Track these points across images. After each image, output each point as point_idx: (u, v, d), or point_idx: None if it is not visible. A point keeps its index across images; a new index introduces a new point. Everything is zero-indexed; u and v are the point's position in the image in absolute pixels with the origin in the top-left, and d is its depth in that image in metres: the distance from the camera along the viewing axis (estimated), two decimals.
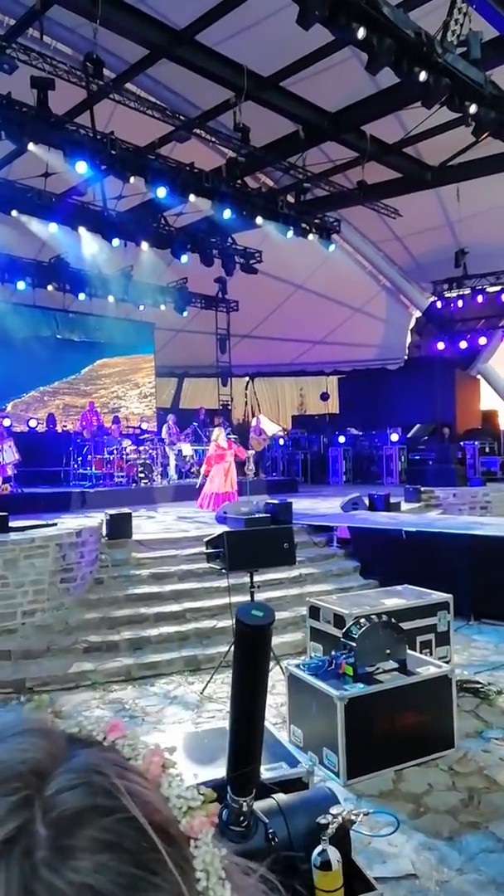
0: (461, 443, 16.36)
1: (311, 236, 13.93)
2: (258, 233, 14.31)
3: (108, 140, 10.61)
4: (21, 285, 15.35)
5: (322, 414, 21.29)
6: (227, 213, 12.42)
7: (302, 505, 10.80)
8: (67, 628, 6.29)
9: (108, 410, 17.98)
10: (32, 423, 16.31)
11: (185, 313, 18.61)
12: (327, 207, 14.63)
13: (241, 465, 12.24)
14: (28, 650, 5.89)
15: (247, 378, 22.88)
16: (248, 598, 5.60)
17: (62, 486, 13.09)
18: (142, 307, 17.89)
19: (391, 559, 8.08)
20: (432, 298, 18.52)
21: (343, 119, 11.85)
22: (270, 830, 2.16)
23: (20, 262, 15.38)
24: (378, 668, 4.24)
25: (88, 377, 18.70)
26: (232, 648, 5.37)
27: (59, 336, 17.60)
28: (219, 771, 2.32)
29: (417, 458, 16.33)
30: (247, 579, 5.61)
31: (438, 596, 5.61)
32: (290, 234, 13.47)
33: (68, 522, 7.44)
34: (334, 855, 2.48)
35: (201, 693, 5.41)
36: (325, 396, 21.60)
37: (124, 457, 13.50)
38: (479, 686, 5.32)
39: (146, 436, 15.31)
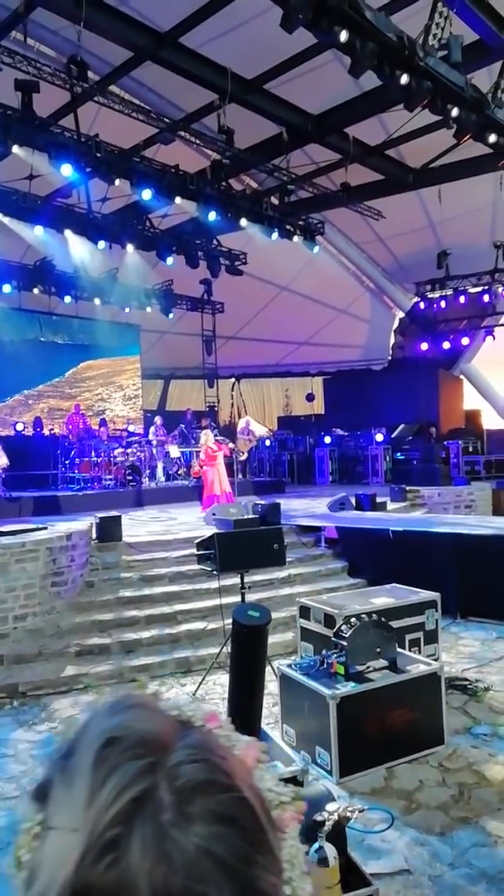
0: (445, 442, 16.52)
1: (295, 238, 14.00)
2: (243, 234, 14.35)
3: (92, 142, 10.59)
4: (7, 288, 15.28)
5: (308, 415, 21.38)
6: (212, 215, 12.45)
7: (289, 505, 10.86)
8: (59, 632, 6.29)
9: (93, 413, 17.93)
10: (19, 427, 16.23)
11: (171, 315, 18.61)
12: (311, 209, 14.71)
13: (230, 464, 12.25)
14: (20, 655, 5.90)
15: (233, 379, 22.92)
16: (238, 599, 5.64)
17: (50, 490, 13.05)
18: (127, 309, 17.87)
19: (378, 559, 8.16)
20: (415, 299, 18.68)
21: (326, 121, 11.93)
22: None
23: (5, 266, 15.30)
24: (369, 667, 4.31)
25: (73, 380, 18.63)
26: (224, 650, 5.42)
27: (42, 339, 17.53)
28: None
29: (402, 457, 16.47)
30: (236, 580, 5.66)
31: (426, 594, 5.69)
32: (275, 235, 13.53)
33: (58, 526, 7.44)
34: (331, 851, 2.54)
35: (193, 694, 5.44)
36: (310, 397, 21.69)
37: (112, 459, 13.48)
38: (467, 683, 5.41)
39: (133, 438, 15.29)
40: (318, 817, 2.60)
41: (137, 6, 9.76)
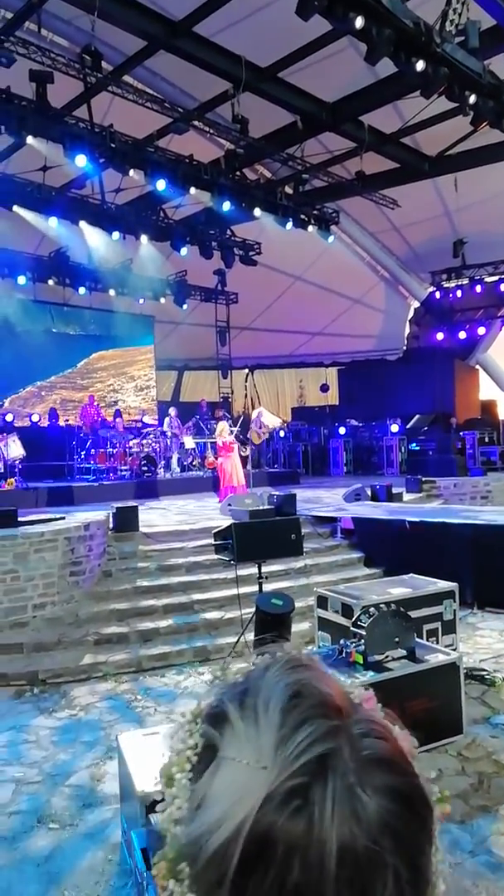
0: (461, 433, 16.43)
1: (309, 227, 13.92)
2: (257, 224, 14.30)
3: (106, 133, 10.59)
4: (22, 280, 15.34)
5: (322, 405, 21.32)
6: (226, 206, 12.41)
7: (304, 496, 10.86)
8: (78, 621, 6.35)
9: (105, 404, 17.99)
10: (35, 418, 16.33)
11: (185, 306, 18.60)
12: (326, 198, 14.62)
13: (243, 456, 12.27)
14: (40, 643, 5.96)
15: (246, 370, 22.87)
16: (254, 589, 5.66)
17: (66, 481, 13.14)
18: (141, 300, 17.87)
19: (395, 549, 8.15)
20: (431, 289, 18.55)
21: (341, 109, 11.82)
22: None
23: (20, 257, 15.35)
24: (387, 657, 4.31)
25: (85, 371, 18.66)
26: (241, 639, 5.45)
27: (54, 330, 17.58)
28: None
29: (417, 448, 16.41)
30: (252, 570, 5.68)
31: (444, 585, 5.67)
32: (289, 225, 13.47)
33: (76, 516, 7.50)
34: None
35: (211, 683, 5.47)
36: (324, 388, 21.62)
37: (127, 450, 13.54)
38: (486, 673, 5.40)
39: (148, 429, 15.34)
40: None
41: None
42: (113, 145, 10.63)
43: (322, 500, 11.01)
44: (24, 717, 4.99)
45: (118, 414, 16.03)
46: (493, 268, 16.88)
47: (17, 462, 11.58)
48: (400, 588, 5.58)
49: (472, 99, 9.42)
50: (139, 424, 16.13)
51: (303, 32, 9.68)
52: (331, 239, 14.69)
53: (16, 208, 12.79)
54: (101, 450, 13.50)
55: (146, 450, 13.85)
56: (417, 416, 17.73)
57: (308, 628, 6.26)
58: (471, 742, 4.32)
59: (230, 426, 11.89)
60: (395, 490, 10.81)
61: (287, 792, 0.43)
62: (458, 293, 17.53)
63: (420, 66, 8.32)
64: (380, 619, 4.27)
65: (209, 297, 19.44)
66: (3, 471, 11.41)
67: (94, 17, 9.05)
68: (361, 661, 4.19)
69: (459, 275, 17.27)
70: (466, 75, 8.98)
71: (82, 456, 13.77)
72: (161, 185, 11.58)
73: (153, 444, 14.25)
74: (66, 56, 10.40)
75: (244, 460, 11.89)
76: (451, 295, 17.70)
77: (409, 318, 20.23)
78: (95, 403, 16.60)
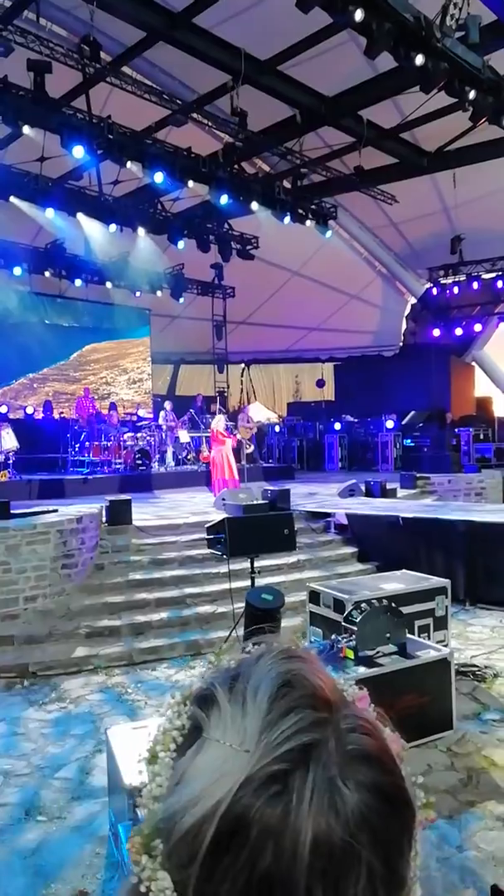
0: (456, 429, 16.43)
1: (307, 222, 13.88)
2: (255, 219, 14.24)
3: (104, 124, 10.51)
4: (17, 271, 15.25)
5: (318, 401, 21.30)
6: (223, 199, 12.35)
7: (299, 491, 10.86)
8: (69, 614, 6.34)
9: (97, 397, 17.92)
10: (29, 410, 16.28)
11: (182, 299, 18.54)
12: (324, 193, 14.57)
13: (236, 451, 12.26)
14: (31, 635, 5.95)
15: (242, 365, 22.86)
16: (247, 583, 5.66)
17: (60, 473, 13.10)
18: (138, 293, 17.80)
19: (388, 545, 8.16)
20: (428, 285, 18.53)
21: (340, 103, 11.76)
22: None
23: (16, 248, 15.27)
24: (378, 652, 4.31)
25: (77, 363, 18.57)
26: (233, 633, 5.45)
27: (47, 321, 17.50)
28: None
29: (412, 444, 16.41)
30: (245, 565, 5.68)
31: (436, 581, 5.69)
32: (287, 220, 13.41)
33: (68, 509, 7.48)
34: None
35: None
36: (320, 383, 21.59)
37: (122, 444, 13.51)
38: (476, 669, 5.42)
39: (143, 423, 15.31)
40: None
41: None
42: (111, 137, 10.56)
43: (316, 495, 11.01)
44: (14, 709, 4.99)
45: (113, 407, 15.99)
46: (491, 264, 16.85)
47: (11, 454, 11.54)
48: (392, 584, 5.59)
49: (472, 94, 9.39)
50: (134, 418, 16.09)
51: (303, 25, 9.62)
52: (328, 234, 14.65)
53: (12, 199, 12.71)
54: (96, 443, 13.46)
55: (141, 443, 13.82)
56: (413, 413, 17.73)
57: (300, 623, 6.26)
58: (460, 738, 4.33)
59: (226, 420, 11.88)
60: (389, 486, 10.82)
61: (267, 777, 0.43)
62: (456, 290, 17.50)
63: (420, 60, 8.28)
64: (371, 615, 4.27)
65: (206, 290, 19.38)
66: None
67: (94, 7, 8.96)
68: (352, 657, 4.19)
69: (457, 271, 17.24)
70: (466, 70, 8.94)
71: (76, 449, 13.73)
72: (159, 177, 11.51)
73: (148, 438, 14.22)
74: (64, 46, 10.34)
75: (237, 454, 11.89)
76: (448, 291, 17.67)
77: (406, 314, 20.22)
78: (91, 396, 16.56)
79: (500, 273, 16.69)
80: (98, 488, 11.27)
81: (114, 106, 11.40)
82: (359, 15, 7.38)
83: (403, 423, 17.26)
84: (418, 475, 12.57)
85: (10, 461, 11.57)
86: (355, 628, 4.20)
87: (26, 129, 9.86)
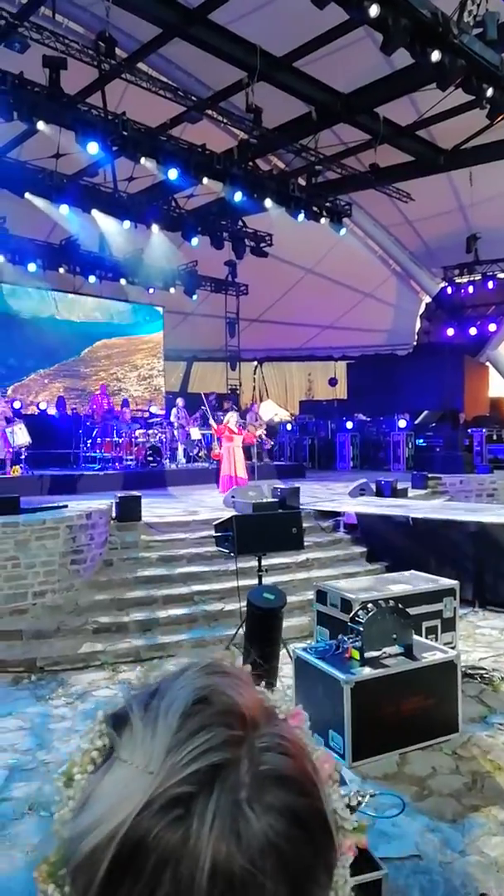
0: (469, 430, 16.33)
1: (322, 220, 13.83)
2: (268, 216, 14.22)
3: (119, 120, 10.53)
4: (32, 267, 15.32)
5: (330, 399, 21.26)
6: (238, 196, 12.33)
7: (309, 490, 10.83)
8: (77, 609, 6.36)
9: (109, 392, 17.94)
10: (42, 406, 16.36)
11: (195, 296, 18.55)
12: (339, 191, 14.51)
13: (247, 448, 12.25)
14: (39, 630, 5.97)
15: (255, 362, 22.85)
16: (255, 581, 5.65)
17: (72, 469, 13.16)
18: (152, 290, 17.83)
19: (398, 545, 8.11)
20: (443, 284, 18.42)
21: (356, 100, 11.71)
22: None
23: (30, 244, 15.34)
24: (384, 653, 4.29)
25: (88, 359, 18.62)
26: (240, 631, 5.44)
27: (59, 317, 17.57)
28: None
29: (425, 444, 16.32)
30: (254, 563, 5.66)
31: (445, 582, 5.64)
32: (301, 217, 13.38)
33: (78, 505, 7.50)
34: None
35: None
36: (333, 382, 21.55)
37: (133, 440, 13.54)
38: (484, 672, 5.37)
39: (155, 419, 15.35)
40: None
41: None
42: (125, 133, 10.58)
43: (326, 493, 10.97)
44: (20, 703, 5.01)
45: (125, 403, 16.03)
46: None
47: (23, 449, 11.60)
48: (400, 584, 5.56)
49: (490, 92, 9.32)
50: (146, 415, 16.13)
51: (319, 22, 9.60)
52: (343, 231, 14.59)
53: (27, 195, 12.77)
54: (108, 439, 13.51)
55: (152, 440, 13.85)
56: (426, 412, 17.63)
57: (308, 622, 6.25)
58: (466, 741, 4.30)
59: (238, 418, 11.87)
60: (400, 486, 10.76)
61: (169, 800, 0.41)
62: (470, 289, 17.39)
63: (436, 56, 8.22)
64: (378, 616, 4.24)
65: (219, 288, 19.38)
66: (9, 458, 11.43)
67: (109, 3, 8.99)
68: (358, 657, 4.17)
69: (472, 270, 17.12)
70: (484, 68, 8.87)
71: (88, 445, 13.78)
72: (173, 174, 11.52)
73: (159, 435, 14.25)
74: (80, 42, 10.35)
75: (247, 452, 11.87)
76: (462, 290, 17.56)
77: (420, 313, 20.12)
78: (107, 393, 16.61)
79: None
80: (109, 484, 11.31)
81: (129, 102, 11.41)
82: (374, 10, 7.33)
83: (416, 422, 17.18)
84: (430, 475, 12.50)
85: (23, 456, 11.63)
86: (361, 629, 4.18)
87: (41, 125, 9.89)
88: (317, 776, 0.47)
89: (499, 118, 10.16)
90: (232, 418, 11.40)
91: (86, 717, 4.76)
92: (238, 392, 21.12)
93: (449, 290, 18.04)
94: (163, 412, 16.65)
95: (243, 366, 21.66)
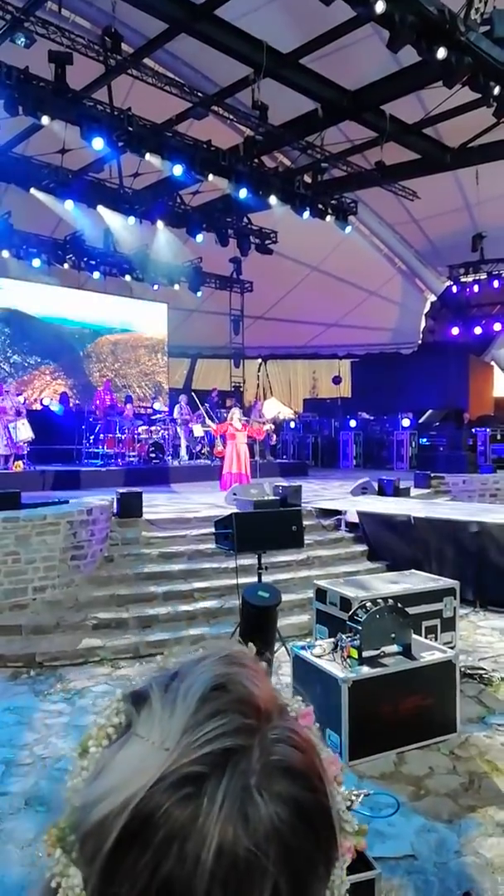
0: (473, 429, 16.28)
1: (327, 217, 13.79)
2: (274, 213, 14.19)
3: (125, 116, 10.51)
4: (36, 262, 15.31)
5: (334, 398, 21.23)
6: (243, 193, 12.30)
7: (311, 488, 10.82)
8: (77, 605, 6.37)
9: (114, 388, 17.92)
10: (46, 401, 16.38)
11: (199, 293, 18.53)
12: (344, 188, 14.46)
13: (251, 445, 12.23)
14: (39, 625, 5.98)
15: (259, 360, 22.83)
16: (255, 579, 5.64)
17: (74, 465, 13.17)
18: (156, 286, 17.80)
19: (399, 544, 8.10)
20: (448, 283, 18.35)
21: (363, 98, 11.65)
22: None
23: (35, 239, 15.32)
24: (383, 652, 4.28)
25: (94, 355, 18.60)
26: (238, 629, 5.43)
27: (65, 313, 17.55)
28: None
29: (428, 443, 16.29)
30: (254, 560, 5.66)
31: (445, 582, 5.63)
32: (307, 214, 13.34)
33: (79, 500, 7.50)
34: None
35: None
36: (337, 380, 21.51)
37: (136, 436, 13.55)
38: (483, 672, 5.36)
39: (158, 416, 15.34)
40: None
41: None
42: (131, 129, 10.56)
43: (329, 492, 10.95)
44: (18, 699, 5.01)
45: (129, 400, 16.03)
46: None
47: (26, 445, 11.62)
48: (401, 584, 5.54)
49: (497, 90, 9.27)
50: (150, 411, 16.13)
51: (325, 18, 9.55)
52: (348, 229, 14.54)
53: (32, 190, 12.76)
54: (111, 435, 13.51)
55: (155, 437, 13.85)
56: (430, 411, 17.59)
57: (307, 621, 6.24)
58: (464, 741, 4.29)
59: (241, 415, 11.85)
60: (402, 485, 10.73)
61: (181, 777, 0.42)
62: (476, 288, 17.33)
63: (442, 54, 8.19)
64: (376, 615, 4.23)
65: (224, 285, 19.35)
66: (12, 453, 11.44)
67: None
68: (356, 656, 4.16)
69: (477, 269, 17.06)
70: (491, 65, 8.82)
71: (91, 441, 13.79)
72: (178, 170, 11.49)
73: (162, 431, 14.25)
74: (86, 37, 10.34)
75: (251, 449, 11.86)
76: (468, 289, 17.50)
77: (425, 311, 20.05)
78: (111, 389, 16.61)
79: None
80: (111, 481, 11.31)
81: (135, 98, 11.40)
82: (380, 6, 7.30)
83: (420, 421, 17.14)
84: (433, 475, 12.47)
85: (25, 452, 11.65)
86: (360, 627, 4.17)
87: (45, 120, 9.87)
88: (324, 774, 0.48)
89: None
90: (236, 416, 11.39)
91: (84, 713, 4.77)
92: (242, 389, 21.10)
93: (454, 288, 17.98)
94: (166, 409, 16.65)
95: (247, 363, 21.64)
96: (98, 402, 15.43)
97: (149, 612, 6.40)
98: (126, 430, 13.55)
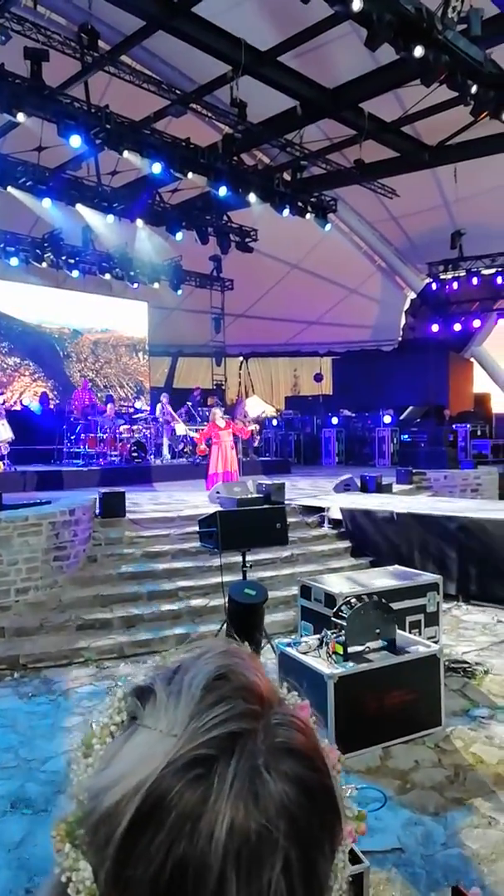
0: (453, 425, 16.41)
1: (307, 215, 13.80)
2: (253, 211, 14.17)
3: (103, 113, 10.44)
4: (14, 261, 15.15)
5: (315, 395, 21.27)
6: (223, 191, 12.27)
7: (295, 485, 10.84)
8: (61, 606, 6.33)
9: (94, 388, 17.78)
10: (25, 401, 16.23)
11: (180, 291, 18.46)
12: (324, 186, 14.49)
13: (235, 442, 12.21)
14: (22, 627, 5.93)
15: (241, 358, 22.81)
16: (240, 577, 5.64)
17: (55, 465, 13.07)
18: (136, 285, 17.70)
19: (382, 540, 8.14)
20: (427, 280, 18.44)
21: (341, 95, 11.69)
22: None
23: (13, 238, 15.16)
24: (368, 648, 4.30)
25: (71, 355, 18.42)
26: (224, 627, 5.43)
27: (43, 312, 17.39)
28: None
29: (409, 440, 16.39)
30: (239, 558, 5.66)
31: (428, 577, 5.68)
32: (286, 212, 13.34)
33: (62, 501, 7.45)
34: None
35: None
36: (318, 377, 21.56)
37: (117, 436, 13.47)
38: (467, 666, 5.41)
39: (140, 415, 15.27)
40: None
41: None
42: (109, 126, 10.48)
43: (312, 489, 10.98)
44: (2, 701, 4.97)
45: (109, 399, 15.94)
46: (491, 260, 16.76)
47: (5, 445, 11.51)
48: (384, 579, 5.58)
49: (474, 89, 9.32)
50: (131, 410, 16.05)
51: (303, 16, 9.56)
52: (328, 227, 14.57)
53: (9, 188, 12.62)
54: (92, 435, 13.42)
55: (136, 436, 13.78)
56: (410, 408, 17.70)
57: (292, 618, 6.25)
58: (449, 734, 4.32)
59: (223, 414, 11.80)
60: (384, 481, 10.80)
61: (190, 760, 0.44)
62: (455, 285, 17.41)
63: (420, 52, 8.21)
64: (361, 611, 4.25)
65: (204, 283, 19.30)
66: None
67: None
68: (341, 652, 4.18)
69: (456, 266, 17.13)
70: (468, 64, 8.87)
71: (72, 440, 13.70)
72: (157, 168, 11.43)
73: (144, 431, 14.19)
74: (62, 34, 10.25)
75: (235, 446, 11.83)
76: (447, 287, 17.58)
77: (405, 308, 20.15)
78: (89, 388, 16.51)
79: (499, 269, 16.59)
80: (93, 480, 11.25)
81: (112, 96, 11.33)
82: (357, 5, 7.31)
83: (401, 418, 17.24)
84: (414, 471, 12.56)
85: (5, 452, 11.54)
86: (344, 623, 4.19)
87: (21, 117, 9.75)
88: (326, 756, 0.50)
89: (483, 114, 10.16)
90: (218, 415, 11.34)
91: (69, 715, 4.74)
92: (224, 388, 21.06)
93: (434, 286, 18.06)
94: (147, 408, 16.58)
95: (229, 361, 21.61)
96: (76, 401, 15.33)
97: (133, 612, 6.38)
98: (107, 430, 13.48)
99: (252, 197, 12.74)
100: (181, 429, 14.95)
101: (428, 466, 13.43)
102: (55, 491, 9.96)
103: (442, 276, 17.51)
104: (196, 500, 9.60)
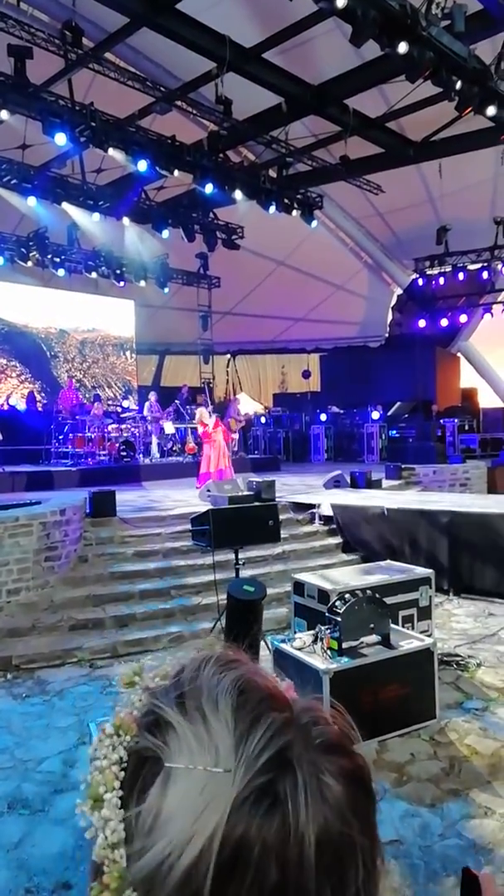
0: (441, 420, 16.49)
1: (293, 212, 13.80)
2: (239, 208, 14.16)
3: (87, 111, 10.37)
4: None
5: (304, 392, 21.32)
6: (208, 188, 12.24)
7: (284, 482, 10.85)
8: (53, 606, 6.30)
9: (82, 387, 17.71)
10: (12, 402, 16.12)
11: (167, 289, 18.41)
12: (310, 182, 14.49)
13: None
14: (14, 628, 5.90)
15: (228, 355, 22.80)
16: (232, 574, 5.65)
17: (44, 465, 13.01)
18: (122, 283, 17.63)
19: (373, 536, 8.17)
20: (414, 275, 18.52)
21: (326, 92, 11.67)
22: None
23: None
24: (362, 643, 4.32)
25: (58, 354, 18.32)
26: (217, 625, 5.44)
27: (30, 311, 17.28)
28: None
29: (398, 435, 16.46)
30: (230, 556, 5.66)
31: (420, 571, 5.71)
32: (273, 209, 13.33)
33: (52, 501, 7.41)
34: None
35: None
36: (306, 374, 21.60)
37: (106, 435, 13.42)
38: (460, 659, 5.44)
39: (128, 414, 15.22)
40: None
41: None
42: (94, 124, 10.41)
43: (302, 486, 11.00)
44: None
45: (97, 398, 15.88)
46: (476, 255, 16.85)
47: None
48: (376, 574, 5.60)
49: (458, 84, 9.35)
50: (118, 409, 15.99)
51: (288, 13, 9.55)
52: (314, 224, 14.57)
53: None
54: (80, 434, 13.37)
55: (125, 435, 13.74)
56: (398, 404, 17.77)
57: (285, 614, 6.27)
58: (443, 727, 4.36)
59: (209, 412, 11.78)
60: (374, 477, 10.84)
61: (256, 792, 0.42)
62: (441, 280, 17.49)
63: (404, 48, 8.21)
64: (355, 606, 4.27)
65: (191, 280, 19.25)
66: None
67: None
68: (336, 647, 4.19)
69: (442, 262, 17.22)
70: (452, 60, 8.90)
71: (60, 440, 13.63)
72: (142, 165, 11.38)
73: (132, 429, 14.14)
74: (46, 31, 10.17)
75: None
76: (433, 282, 17.66)
77: (392, 304, 20.23)
78: (75, 387, 16.43)
79: (485, 264, 16.70)
80: (82, 480, 11.20)
81: (96, 93, 11.25)
82: (341, 1, 7.31)
83: (389, 414, 17.31)
84: (403, 466, 12.61)
85: None
86: (339, 619, 4.20)
87: (4, 115, 9.68)
88: (352, 736, 0.50)
89: (467, 110, 10.20)
90: (204, 414, 11.30)
91: (64, 714, 4.73)
92: (212, 385, 21.04)
93: (420, 281, 18.14)
94: (136, 407, 16.53)
95: (216, 359, 21.58)
96: (63, 401, 15.25)
97: (125, 611, 6.36)
98: (96, 429, 13.42)
99: (238, 194, 12.71)
100: (170, 427, 14.92)
101: (416, 462, 13.50)
102: (44, 491, 9.91)
103: (428, 272, 17.59)
104: (187, 499, 9.59)
